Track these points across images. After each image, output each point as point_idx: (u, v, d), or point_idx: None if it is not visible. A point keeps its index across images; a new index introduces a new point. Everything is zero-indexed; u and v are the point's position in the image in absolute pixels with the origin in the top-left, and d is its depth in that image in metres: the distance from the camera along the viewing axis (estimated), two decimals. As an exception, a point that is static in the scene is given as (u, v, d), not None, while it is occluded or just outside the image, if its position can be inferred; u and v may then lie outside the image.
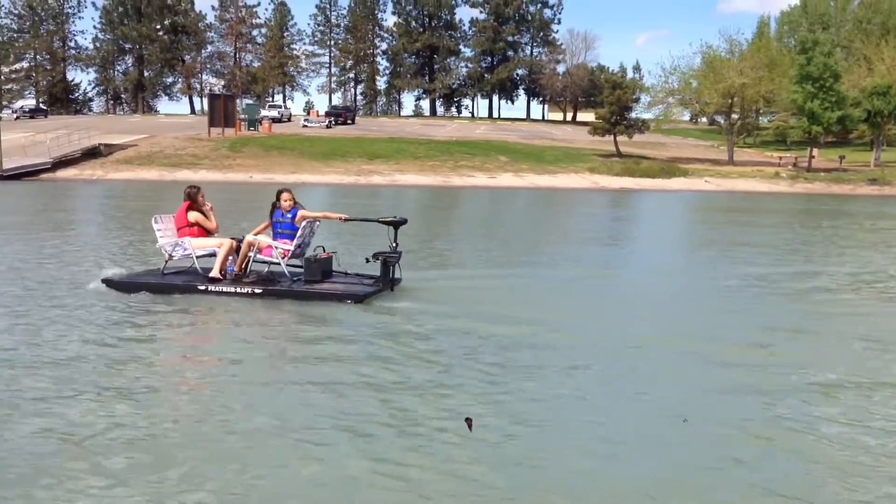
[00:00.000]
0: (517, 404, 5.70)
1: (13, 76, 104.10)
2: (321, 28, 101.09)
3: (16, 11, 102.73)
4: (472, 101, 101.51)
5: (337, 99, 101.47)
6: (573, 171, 51.50)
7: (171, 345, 7.43)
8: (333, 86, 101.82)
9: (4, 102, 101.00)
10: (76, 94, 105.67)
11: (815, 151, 54.45)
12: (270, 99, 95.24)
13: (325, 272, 9.67)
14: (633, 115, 57.65)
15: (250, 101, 75.89)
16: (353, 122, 74.16)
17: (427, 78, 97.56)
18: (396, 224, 9.74)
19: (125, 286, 9.40)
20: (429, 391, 5.99)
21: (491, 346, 7.39)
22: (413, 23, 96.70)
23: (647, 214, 29.81)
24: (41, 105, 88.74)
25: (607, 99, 56.46)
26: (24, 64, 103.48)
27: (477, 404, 5.66)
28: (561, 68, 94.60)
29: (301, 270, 9.72)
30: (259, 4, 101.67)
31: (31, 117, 75.45)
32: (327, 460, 4.68)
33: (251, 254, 9.71)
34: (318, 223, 10.23)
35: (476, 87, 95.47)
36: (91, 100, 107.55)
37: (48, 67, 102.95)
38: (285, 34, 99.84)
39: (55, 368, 6.39)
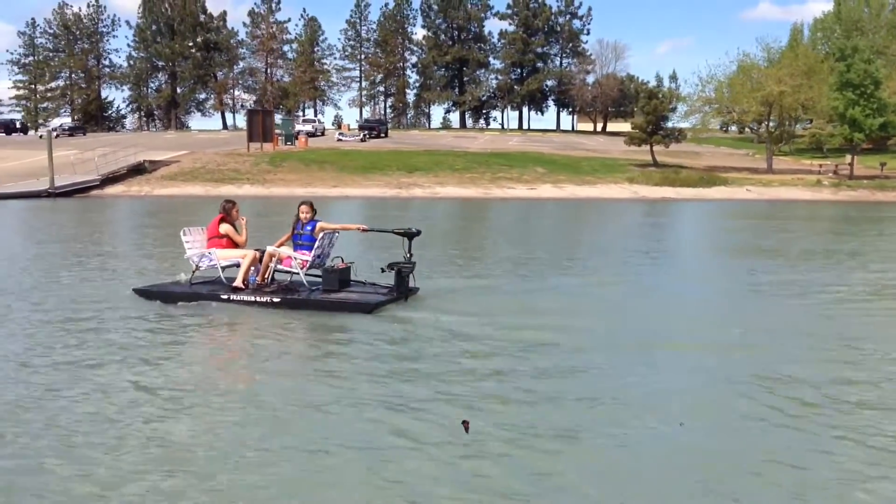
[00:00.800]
0: (505, 412, 5.82)
1: (49, 94, 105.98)
2: (351, 42, 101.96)
3: (51, 31, 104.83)
4: (502, 112, 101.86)
5: (367, 112, 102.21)
6: (612, 181, 51.50)
7: (191, 351, 7.86)
8: (363, 99, 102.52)
9: (41, 121, 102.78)
10: (109, 112, 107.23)
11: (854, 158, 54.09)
12: (301, 113, 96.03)
13: (342, 282, 10.04)
14: (669, 124, 57.58)
15: (285, 116, 76.51)
16: (385, 136, 74.58)
17: (457, 90, 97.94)
18: (410, 235, 10.14)
19: (154, 295, 10.04)
20: (424, 398, 6.18)
21: (490, 353, 7.59)
22: (442, 35, 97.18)
23: (700, 224, 29.74)
24: (77, 123, 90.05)
25: (643, 109, 56.42)
26: (60, 82, 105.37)
27: (469, 411, 5.81)
28: (590, 79, 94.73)
29: (321, 280, 10.12)
30: (290, 20, 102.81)
31: (71, 135, 76.73)
32: (331, 463, 4.90)
33: (272, 264, 10.13)
34: (336, 235, 10.62)
35: (506, 98, 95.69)
36: (124, 117, 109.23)
37: (83, 86, 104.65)
38: (316, 49, 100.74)
39: (78, 373, 6.81)
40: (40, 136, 79.99)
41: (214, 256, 10.23)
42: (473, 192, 47.69)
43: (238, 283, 9.96)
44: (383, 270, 10.03)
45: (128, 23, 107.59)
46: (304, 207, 10.21)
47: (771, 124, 57.36)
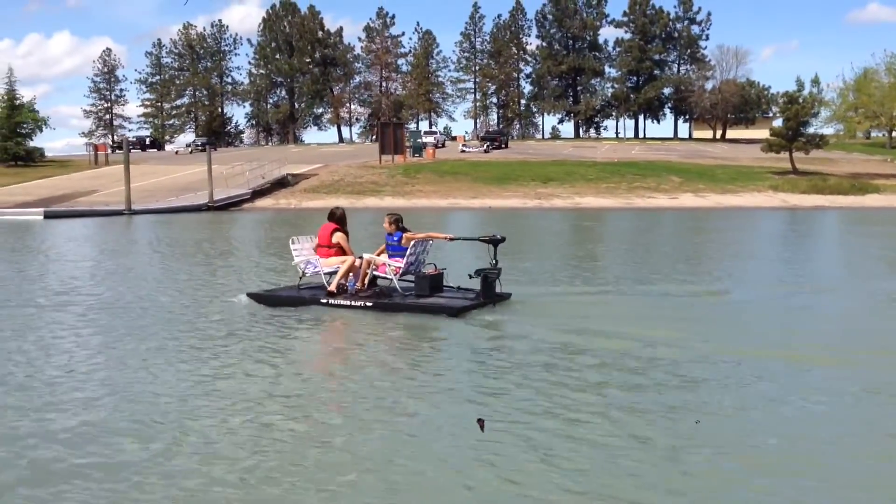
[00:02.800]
0: (561, 428, 5.61)
1: (174, 112, 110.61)
2: (466, 54, 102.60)
3: (176, 50, 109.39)
4: (616, 121, 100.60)
5: (478, 123, 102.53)
6: (754, 189, 50.12)
7: (281, 349, 8.35)
8: (477, 110, 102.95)
9: (167, 137, 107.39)
10: (228, 128, 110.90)
11: None
12: (416, 125, 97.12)
13: (433, 287, 10.60)
14: (810, 130, 55.64)
15: (414, 129, 77.67)
16: (506, 146, 74.67)
17: (571, 100, 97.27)
18: (496, 242, 10.57)
19: (263, 298, 10.99)
20: (494, 397, 6.30)
21: (564, 360, 7.57)
22: (556, 45, 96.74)
23: None
24: (206, 139, 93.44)
25: (784, 114, 54.76)
26: (185, 100, 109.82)
27: (528, 416, 5.79)
28: (709, 85, 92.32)
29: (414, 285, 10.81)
30: (403, 34, 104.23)
31: (203, 150, 79.80)
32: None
33: (369, 270, 10.90)
34: (430, 243, 11.29)
35: (623, 106, 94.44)
36: (242, 132, 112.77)
37: (206, 103, 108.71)
38: (430, 62, 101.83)
39: (188, 366, 7.52)
40: (176, 152, 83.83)
41: (318, 263, 10.94)
42: (613, 201, 47.20)
43: (332, 287, 10.62)
44: (471, 276, 10.52)
45: (249, 41, 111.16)
46: (385, 220, 11.05)
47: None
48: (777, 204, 45.37)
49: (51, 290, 12.65)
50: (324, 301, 10.45)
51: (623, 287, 12.83)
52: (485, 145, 71.67)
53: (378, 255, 10.99)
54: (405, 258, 10.61)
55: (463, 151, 69.20)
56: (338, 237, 10.86)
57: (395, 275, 10.62)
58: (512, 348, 8.15)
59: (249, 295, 11.19)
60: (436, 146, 71.12)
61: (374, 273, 10.92)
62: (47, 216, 34.53)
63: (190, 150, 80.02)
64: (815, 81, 56.60)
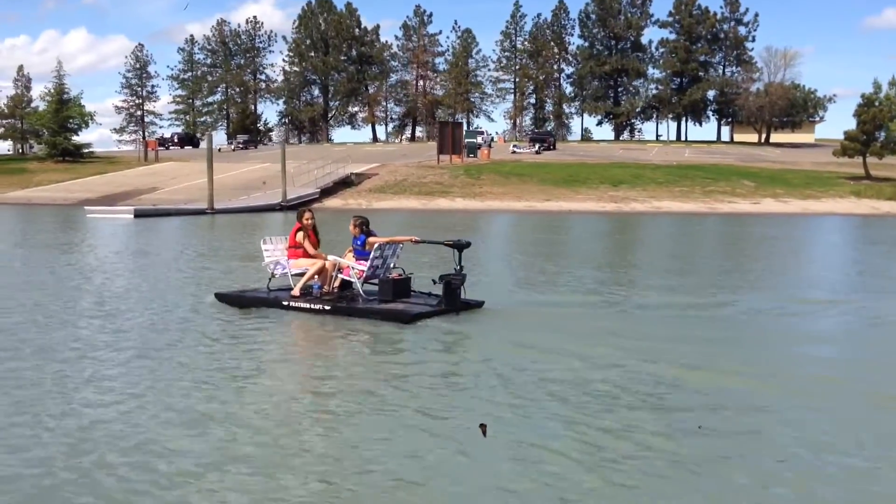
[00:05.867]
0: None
1: (205, 109, 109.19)
2: (507, 54, 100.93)
3: (209, 47, 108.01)
4: (657, 124, 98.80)
5: (518, 124, 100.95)
6: (835, 195, 48.38)
7: (234, 349, 8.30)
8: (515, 111, 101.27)
9: (199, 134, 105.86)
10: (258, 125, 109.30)
11: None
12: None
13: (397, 292, 10.33)
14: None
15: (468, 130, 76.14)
16: (554, 148, 73.14)
17: (612, 101, 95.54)
18: (460, 247, 10.33)
19: (229, 299, 10.95)
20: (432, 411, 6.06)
21: (508, 375, 7.14)
22: (599, 45, 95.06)
23: None
24: (243, 136, 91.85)
25: (860, 117, 53.03)
26: (217, 97, 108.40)
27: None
28: (754, 87, 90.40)
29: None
30: (440, 32, 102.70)
31: (245, 148, 78.52)
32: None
33: (333, 273, 10.81)
34: (401, 247, 11.14)
35: (667, 108, 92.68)
36: (271, 130, 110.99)
37: (238, 100, 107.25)
38: (469, 61, 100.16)
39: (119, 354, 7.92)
40: (219, 149, 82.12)
41: (286, 264, 10.92)
42: (693, 206, 45.56)
43: (295, 291, 10.54)
44: (435, 283, 10.17)
45: (284, 38, 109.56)
46: (350, 222, 10.80)
47: None
48: (868, 211, 43.61)
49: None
50: (286, 303, 10.39)
51: (628, 300, 11.70)
52: (536, 146, 70.18)
53: (345, 256, 11.00)
54: (369, 262, 10.49)
55: (514, 152, 67.81)
56: (299, 237, 10.78)
57: (358, 278, 10.53)
58: (449, 356, 7.98)
59: (217, 295, 11.17)
60: (489, 146, 69.70)
61: (343, 277, 10.85)
62: (137, 215, 33.17)
63: (233, 147, 78.60)
64: (893, 83, 54.67)
